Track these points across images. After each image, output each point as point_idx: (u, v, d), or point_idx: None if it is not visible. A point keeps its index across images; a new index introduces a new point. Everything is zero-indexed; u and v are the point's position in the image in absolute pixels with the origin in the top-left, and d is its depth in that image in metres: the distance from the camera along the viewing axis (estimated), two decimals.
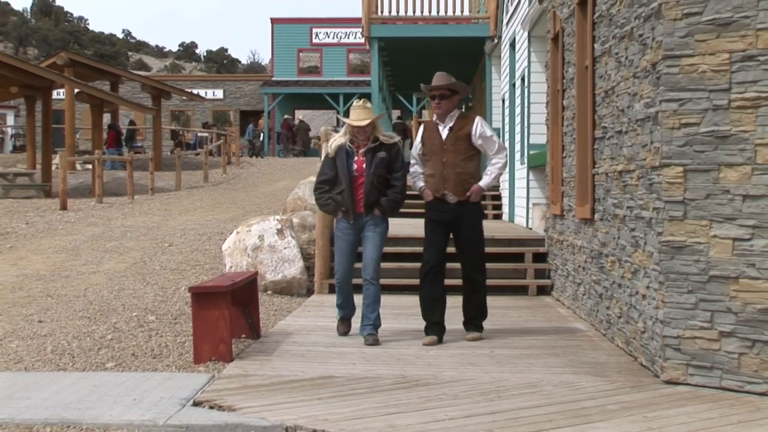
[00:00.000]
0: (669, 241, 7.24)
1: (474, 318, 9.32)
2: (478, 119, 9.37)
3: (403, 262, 12.72)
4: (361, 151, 9.09)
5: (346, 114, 9.10)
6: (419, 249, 12.84)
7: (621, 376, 7.53)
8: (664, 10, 7.23)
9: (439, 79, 9.24)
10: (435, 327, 9.08)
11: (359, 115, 9.04)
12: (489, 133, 9.28)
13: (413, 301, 11.49)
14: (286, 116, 50.25)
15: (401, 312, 10.74)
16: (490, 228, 13.51)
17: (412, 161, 9.42)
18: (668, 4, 7.22)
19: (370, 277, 9.11)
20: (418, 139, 9.46)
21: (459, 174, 9.09)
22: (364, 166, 9.05)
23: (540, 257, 13.21)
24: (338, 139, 9.22)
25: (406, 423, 6.02)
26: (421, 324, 9.10)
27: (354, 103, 9.22)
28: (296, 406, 6.44)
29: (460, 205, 9.08)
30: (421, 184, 9.32)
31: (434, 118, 9.42)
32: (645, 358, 7.82)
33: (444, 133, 9.18)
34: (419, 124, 28.61)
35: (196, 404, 6.52)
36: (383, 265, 12.81)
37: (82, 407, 6.44)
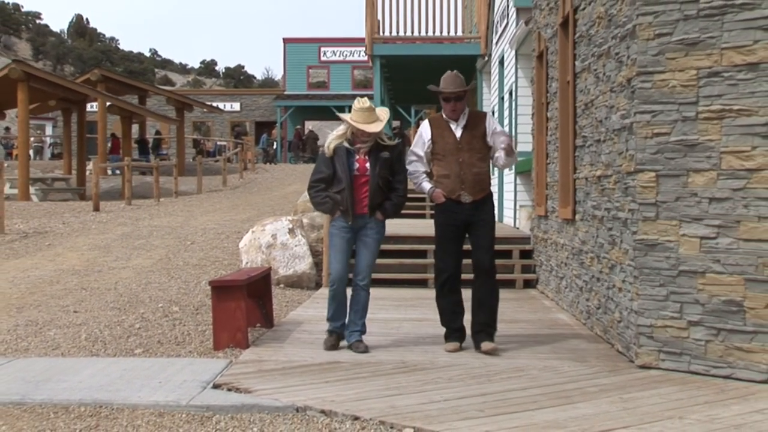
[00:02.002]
0: (643, 240, 7.24)
1: (488, 326, 7.94)
2: (489, 115, 8.40)
3: (402, 258, 12.73)
4: (363, 150, 7.96)
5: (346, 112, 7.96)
6: (418, 247, 12.93)
7: (599, 362, 7.52)
8: (638, 31, 7.23)
9: (454, 82, 8.07)
10: (457, 333, 8.05)
11: (367, 118, 7.89)
12: (500, 128, 8.22)
13: (412, 293, 11.53)
14: (297, 127, 50.38)
15: (401, 303, 10.74)
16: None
17: (413, 159, 8.20)
18: (642, 26, 7.22)
19: (364, 283, 8.06)
20: (427, 136, 8.15)
21: (476, 174, 7.97)
22: (367, 165, 7.92)
23: (526, 254, 13.19)
24: (335, 139, 8.03)
25: (406, 404, 6.02)
26: (420, 314, 9.08)
27: (357, 104, 7.99)
28: (306, 388, 6.44)
29: (475, 204, 7.97)
30: (427, 185, 8.11)
31: (444, 115, 8.15)
32: (621, 345, 7.81)
33: (458, 131, 8.02)
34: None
35: (216, 387, 6.52)
36: (385, 261, 12.85)
37: (113, 389, 6.45)
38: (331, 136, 8.10)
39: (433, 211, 8.67)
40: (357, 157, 7.97)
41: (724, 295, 6.86)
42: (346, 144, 7.96)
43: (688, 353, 7.03)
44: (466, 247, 8.10)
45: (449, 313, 8.09)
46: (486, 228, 8.02)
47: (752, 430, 5.43)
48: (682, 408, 5.96)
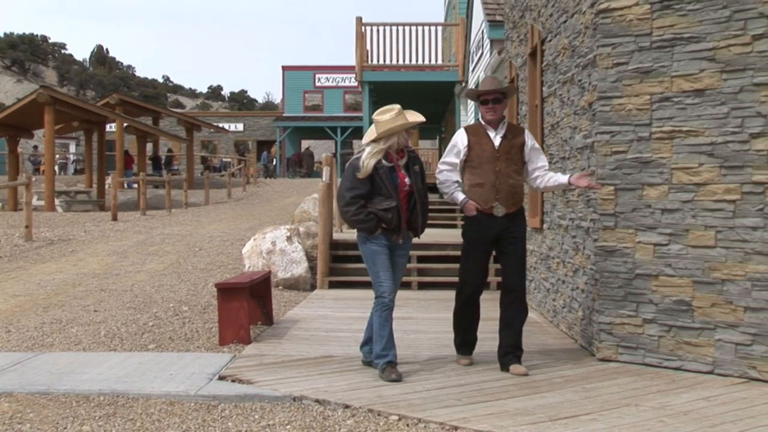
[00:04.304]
0: (603, 246, 7.25)
1: (516, 348, 6.96)
2: (526, 130, 7.26)
3: None
4: (401, 163, 6.76)
5: (369, 123, 6.49)
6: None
7: (564, 355, 7.52)
8: (599, 60, 7.25)
9: (492, 83, 7.13)
10: (470, 346, 7.18)
11: (407, 115, 6.71)
12: (537, 146, 7.19)
13: (398, 294, 11.44)
14: (302, 149, 50.51)
15: None
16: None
17: (444, 168, 7.11)
18: (602, 56, 7.24)
19: (393, 303, 6.82)
20: (463, 143, 7.04)
21: (512, 186, 6.93)
22: (406, 180, 6.73)
23: (495, 260, 13.16)
24: (373, 156, 6.63)
25: (392, 393, 6.02)
26: (405, 313, 8.97)
27: (389, 112, 6.68)
28: (302, 380, 6.42)
29: (507, 218, 6.95)
30: (460, 195, 7.03)
31: (482, 123, 7.14)
32: (584, 341, 7.82)
33: (496, 140, 6.97)
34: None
35: (221, 378, 6.50)
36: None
37: (128, 380, 6.43)
38: (366, 155, 6.68)
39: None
40: (398, 172, 6.74)
41: (674, 296, 6.88)
42: (384, 161, 6.68)
43: (643, 347, 7.05)
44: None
45: (467, 326, 7.19)
46: (518, 246, 7.01)
47: (699, 416, 5.44)
48: (637, 396, 5.97)
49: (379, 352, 6.62)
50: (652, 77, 7.01)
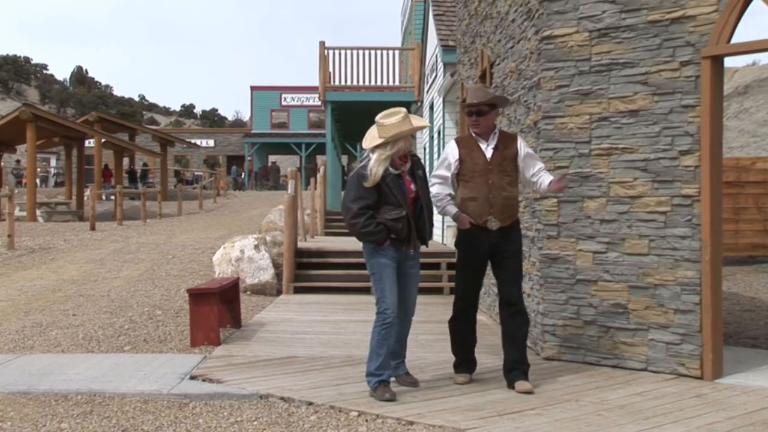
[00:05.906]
0: (547, 254, 7.31)
1: (521, 363, 6.20)
2: (519, 137, 6.51)
3: (349, 270, 12.68)
4: (405, 169, 5.98)
5: (370, 129, 6.06)
6: (362, 260, 12.86)
7: None
8: (543, 83, 7.32)
9: (476, 94, 6.33)
10: (468, 365, 6.47)
11: (411, 121, 5.95)
12: (531, 151, 6.46)
13: (357, 299, 11.48)
14: (269, 164, 50.42)
15: (348, 308, 10.69)
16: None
17: (436, 181, 6.34)
18: (545, 79, 7.31)
19: (412, 316, 6.27)
20: (454, 156, 6.34)
21: (506, 198, 6.22)
22: (412, 187, 5.96)
23: (452, 266, 13.19)
24: (381, 163, 5.81)
25: (352, 391, 6.00)
26: (364, 316, 8.93)
27: (395, 116, 5.87)
28: (268, 379, 6.38)
29: (502, 231, 6.24)
30: (453, 209, 6.29)
31: (473, 134, 6.38)
32: (529, 341, 7.85)
33: (488, 152, 6.26)
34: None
35: (192, 378, 6.44)
36: (335, 272, 12.79)
37: (105, 380, 6.35)
38: (374, 162, 5.86)
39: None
40: (404, 179, 5.98)
41: (612, 299, 6.95)
42: (391, 168, 5.91)
43: (584, 347, 7.10)
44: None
45: (462, 342, 6.51)
46: (514, 260, 6.28)
47: (634, 409, 5.50)
48: (578, 392, 6.01)
49: (373, 371, 5.91)
50: (591, 99, 7.09)
